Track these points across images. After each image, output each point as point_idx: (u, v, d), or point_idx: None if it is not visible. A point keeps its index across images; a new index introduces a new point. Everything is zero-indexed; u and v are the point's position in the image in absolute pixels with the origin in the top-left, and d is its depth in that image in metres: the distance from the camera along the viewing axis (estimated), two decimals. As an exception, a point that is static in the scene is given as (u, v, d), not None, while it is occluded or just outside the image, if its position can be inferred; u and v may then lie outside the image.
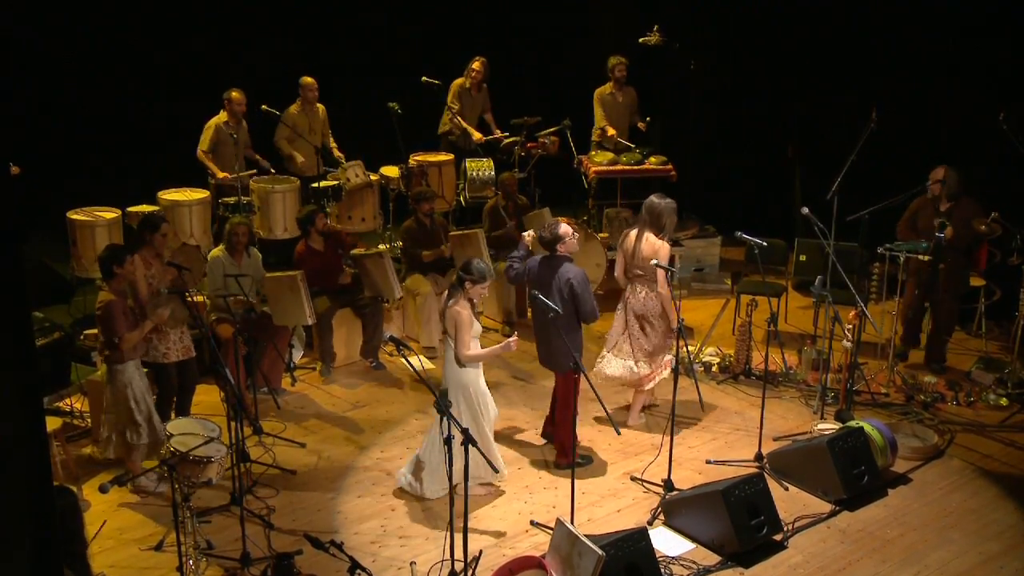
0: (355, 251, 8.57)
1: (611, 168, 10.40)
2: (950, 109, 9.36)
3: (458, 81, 10.36)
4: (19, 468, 2.85)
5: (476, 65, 10.26)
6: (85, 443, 7.19)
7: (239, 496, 6.00)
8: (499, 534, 6.22)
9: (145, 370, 6.64)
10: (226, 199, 9.06)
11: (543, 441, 7.28)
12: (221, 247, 7.83)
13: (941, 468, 7.04)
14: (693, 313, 9.19)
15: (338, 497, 6.64)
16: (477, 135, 10.34)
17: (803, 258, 9.58)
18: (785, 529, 6.19)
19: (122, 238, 8.37)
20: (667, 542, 6.11)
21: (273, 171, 9.58)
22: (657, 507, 6.44)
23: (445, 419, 5.25)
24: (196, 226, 8.85)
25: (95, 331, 7.27)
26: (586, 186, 10.47)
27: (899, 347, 8.46)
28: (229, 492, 6.36)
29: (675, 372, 6.68)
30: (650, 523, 6.29)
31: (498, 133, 10.53)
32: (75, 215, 8.41)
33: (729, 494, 5.94)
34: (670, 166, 10.44)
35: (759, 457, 6.93)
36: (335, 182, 9.33)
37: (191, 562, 5.62)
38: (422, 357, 8.57)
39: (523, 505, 6.55)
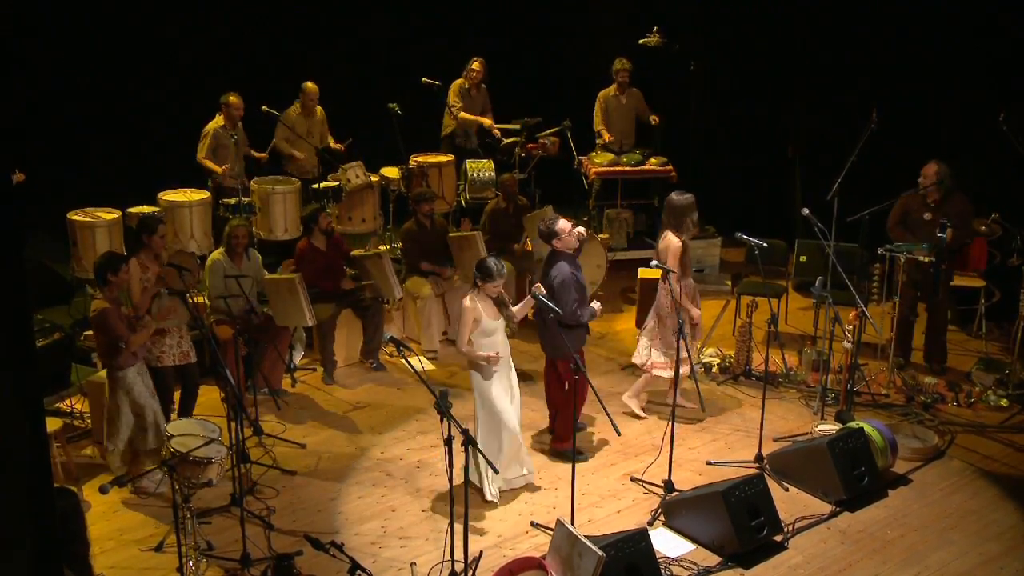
0: (355, 251, 8.57)
1: (611, 169, 10.41)
2: (950, 110, 9.36)
3: (457, 82, 10.36)
4: (19, 469, 2.85)
5: (475, 65, 10.27)
6: (85, 444, 7.19)
7: (239, 497, 6.00)
8: (499, 535, 6.22)
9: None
10: (226, 200, 9.06)
11: (544, 441, 7.29)
12: (220, 250, 7.83)
13: (941, 469, 7.04)
14: (693, 314, 9.17)
15: (338, 498, 6.64)
16: (487, 121, 10.34)
17: (803, 259, 9.58)
18: (785, 530, 6.19)
19: (122, 239, 8.38)
20: (667, 543, 6.10)
21: (266, 155, 9.52)
22: (657, 508, 6.44)
23: (446, 419, 5.26)
24: (196, 227, 8.84)
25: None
26: (586, 187, 10.48)
27: (900, 360, 8.39)
28: (229, 493, 6.36)
29: (675, 373, 6.68)
30: (650, 524, 6.29)
31: (497, 133, 10.54)
32: (75, 216, 8.40)
33: (729, 495, 5.94)
34: (670, 167, 10.45)
35: (759, 458, 6.93)
36: (335, 183, 9.34)
37: (191, 563, 5.63)
38: (422, 358, 8.57)
39: (523, 506, 6.55)
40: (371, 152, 9.98)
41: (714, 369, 8.42)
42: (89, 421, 7.26)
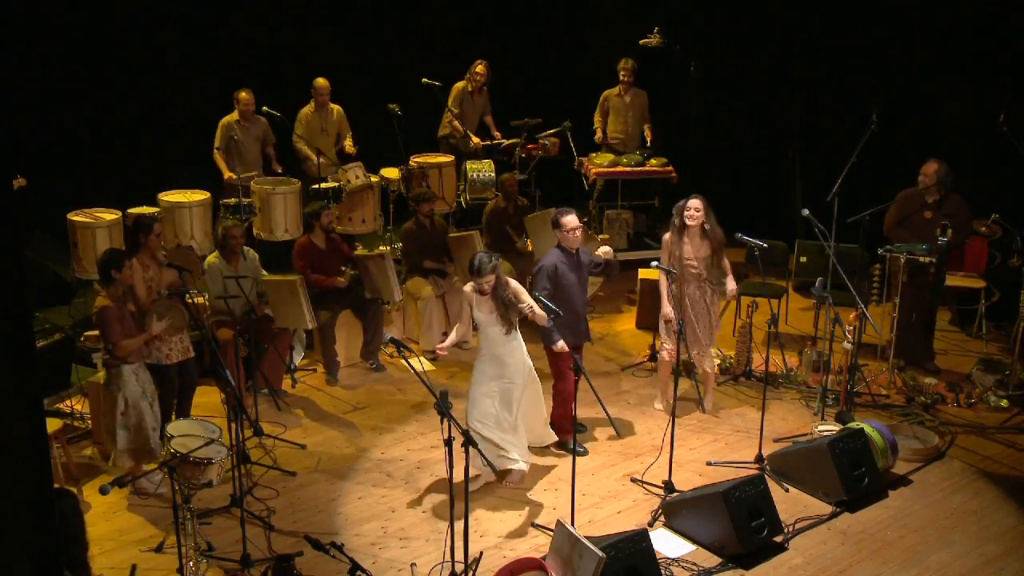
0: (358, 251, 8.57)
1: (612, 170, 10.41)
2: (950, 111, 9.36)
3: (459, 84, 10.36)
4: (19, 470, 2.85)
5: (480, 68, 10.27)
6: (85, 445, 7.19)
7: (239, 497, 6.00)
8: (499, 536, 6.22)
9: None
10: (226, 200, 9.08)
11: (544, 442, 7.30)
12: (216, 254, 7.82)
13: (942, 470, 7.04)
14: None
15: (338, 499, 6.64)
16: (475, 140, 10.35)
17: (803, 260, 9.58)
18: (786, 531, 6.19)
19: (123, 239, 8.38)
20: (668, 544, 6.10)
21: (280, 170, 9.62)
22: (658, 509, 6.44)
23: (446, 420, 5.26)
24: (196, 228, 8.85)
25: (95, 333, 7.28)
26: (587, 187, 10.48)
27: (901, 363, 8.38)
28: (229, 494, 6.36)
29: (676, 373, 6.68)
30: (651, 525, 6.29)
31: (497, 136, 10.54)
32: (76, 216, 8.40)
33: (730, 495, 5.94)
34: (671, 168, 10.45)
35: (760, 458, 6.93)
36: (336, 183, 9.34)
37: (191, 564, 5.63)
38: (422, 359, 8.57)
39: (524, 507, 6.55)
40: (371, 153, 9.99)
41: (715, 369, 8.41)
42: (89, 422, 7.26)
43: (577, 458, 6.15)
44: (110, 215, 8.46)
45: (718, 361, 8.50)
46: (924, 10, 9.49)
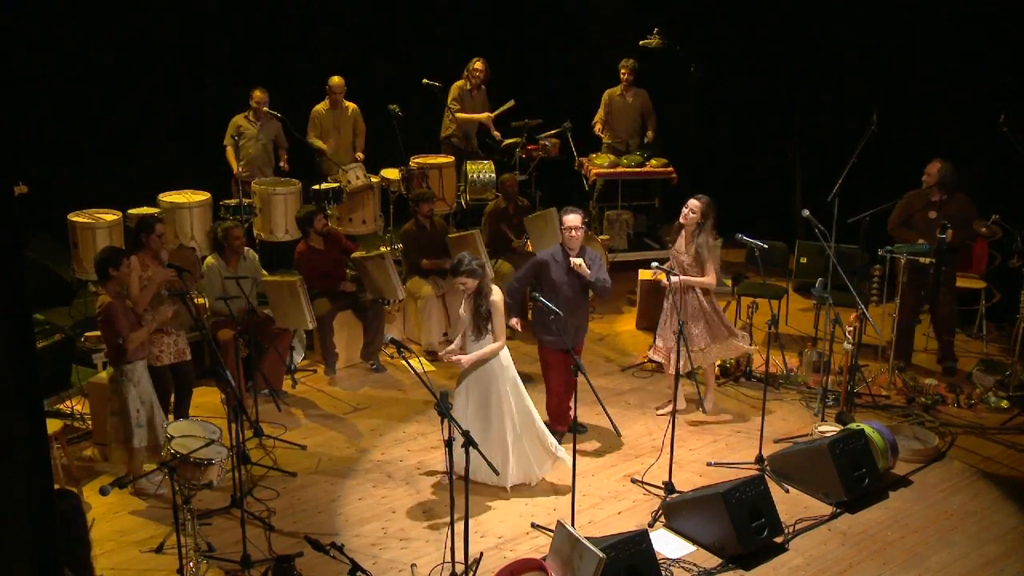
0: (356, 254, 8.57)
1: (612, 170, 10.41)
2: (951, 111, 9.36)
3: (458, 83, 10.36)
4: (19, 470, 2.85)
5: (478, 65, 10.27)
6: (86, 445, 7.19)
7: (240, 498, 6.00)
8: (500, 536, 6.22)
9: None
10: (227, 201, 9.09)
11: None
12: (215, 255, 7.82)
13: (942, 470, 7.04)
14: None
15: (339, 499, 6.64)
16: (485, 115, 10.33)
17: (804, 260, 9.58)
18: (786, 531, 6.19)
19: (123, 240, 8.38)
20: (668, 544, 6.10)
21: (287, 169, 9.67)
22: (658, 509, 6.44)
23: (447, 420, 5.26)
24: (197, 228, 8.85)
25: (96, 333, 7.28)
26: (587, 188, 10.48)
27: (900, 364, 8.36)
28: (230, 494, 6.36)
29: (676, 373, 6.69)
30: (651, 525, 6.29)
31: (497, 135, 10.54)
32: (76, 217, 8.41)
33: (730, 496, 5.94)
34: (671, 168, 10.45)
35: (760, 459, 6.93)
36: (336, 184, 9.35)
37: (192, 564, 5.63)
38: (423, 359, 8.57)
39: (524, 507, 6.55)
40: (372, 153, 9.99)
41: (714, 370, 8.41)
42: (90, 422, 7.26)
43: (577, 459, 6.14)
44: (110, 216, 8.46)
45: (718, 362, 8.49)
46: (924, 10, 9.48)
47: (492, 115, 10.38)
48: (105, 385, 6.62)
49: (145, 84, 9.82)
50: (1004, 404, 7.91)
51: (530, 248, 9.17)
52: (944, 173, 7.98)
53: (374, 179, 9.74)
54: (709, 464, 7.02)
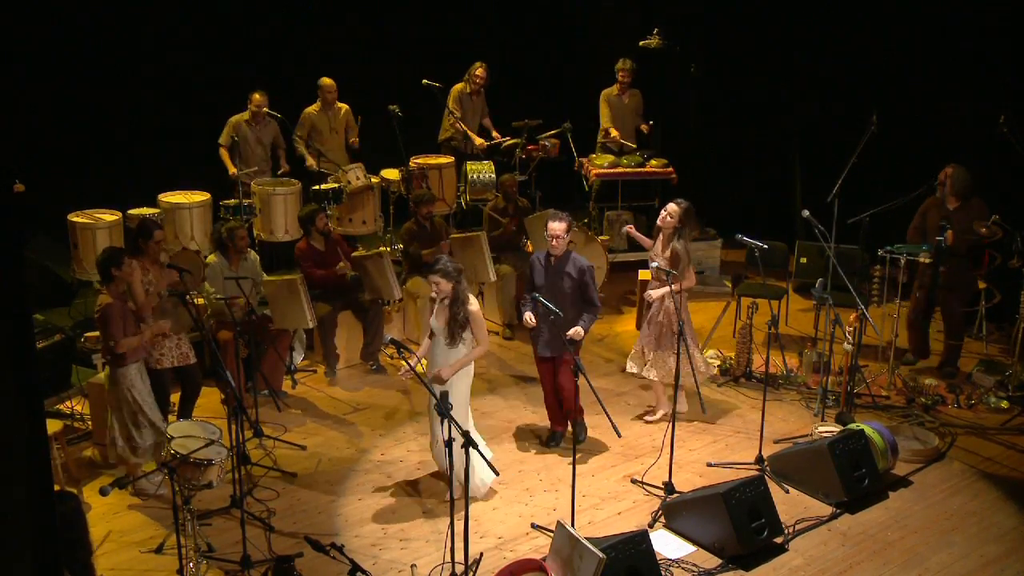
0: (355, 253, 8.57)
1: (612, 171, 10.41)
2: (951, 111, 9.36)
3: (458, 86, 10.36)
4: (19, 470, 2.85)
5: (479, 71, 10.25)
6: (86, 446, 7.19)
7: (240, 498, 6.00)
8: (499, 537, 6.22)
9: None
10: (226, 201, 9.09)
11: (543, 443, 7.30)
12: (216, 253, 7.82)
13: (942, 471, 7.04)
14: (694, 315, 9.14)
15: (338, 500, 6.64)
16: (479, 140, 10.35)
17: (804, 261, 9.58)
18: (786, 532, 6.19)
19: (123, 241, 8.38)
20: (668, 545, 6.10)
21: (288, 169, 9.64)
22: (658, 510, 6.44)
23: (446, 421, 5.26)
24: (197, 229, 8.86)
25: (96, 333, 7.28)
26: (587, 188, 10.48)
27: (909, 357, 8.42)
28: (229, 495, 6.36)
29: (676, 373, 6.69)
30: (651, 526, 6.29)
31: (497, 137, 10.54)
32: (76, 217, 8.41)
33: (730, 497, 5.94)
34: (671, 169, 10.45)
35: (760, 460, 6.93)
36: (336, 184, 9.35)
37: (191, 565, 5.63)
38: (423, 360, 8.55)
39: (523, 508, 6.55)
40: (372, 154, 9.99)
41: (715, 371, 8.42)
42: (90, 423, 7.26)
43: (577, 459, 6.14)
44: (110, 216, 8.46)
45: (718, 362, 8.50)
46: (924, 11, 9.48)
47: (486, 144, 10.37)
48: (104, 385, 6.62)
49: (146, 84, 9.82)
50: (1004, 404, 7.91)
51: (530, 249, 9.17)
52: (955, 179, 7.98)
53: (374, 180, 9.74)
54: (709, 464, 7.02)
